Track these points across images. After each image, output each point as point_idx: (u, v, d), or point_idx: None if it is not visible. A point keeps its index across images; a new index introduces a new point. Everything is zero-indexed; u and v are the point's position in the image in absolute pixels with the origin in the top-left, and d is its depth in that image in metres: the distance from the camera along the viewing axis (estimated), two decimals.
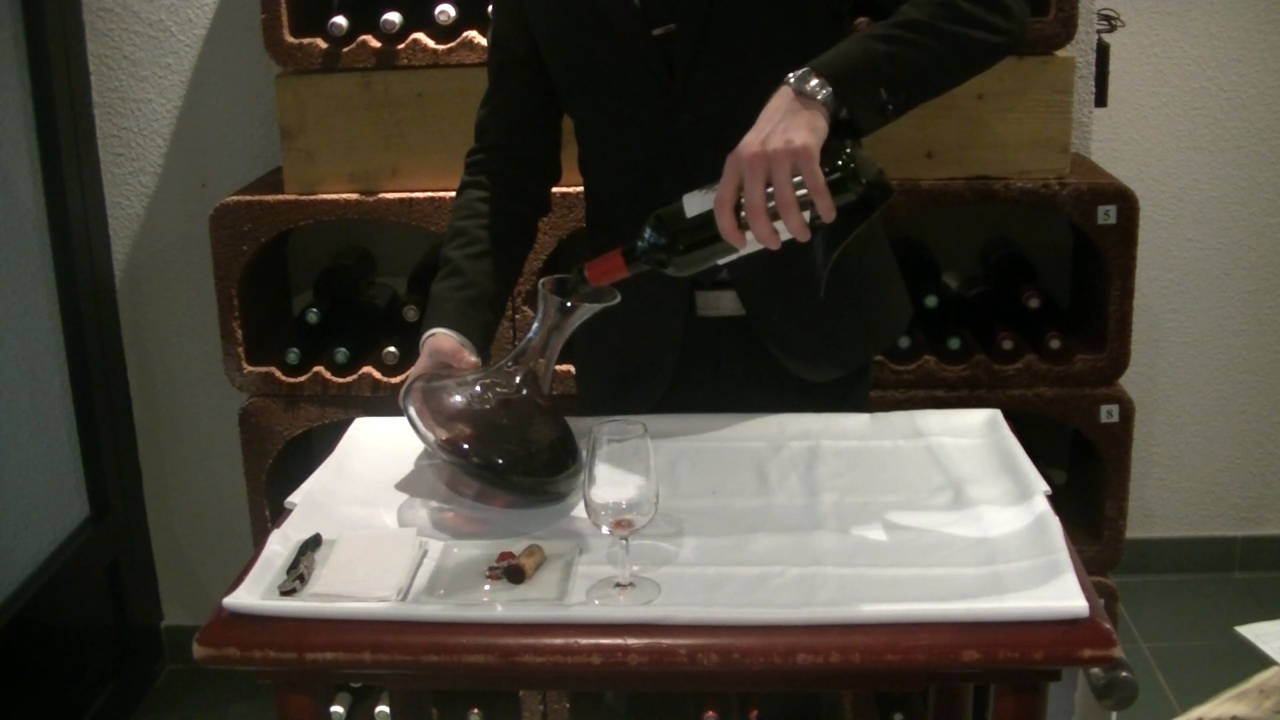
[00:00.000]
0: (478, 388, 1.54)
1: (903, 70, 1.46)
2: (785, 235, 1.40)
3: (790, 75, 1.43)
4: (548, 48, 1.71)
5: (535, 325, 1.54)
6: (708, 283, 1.74)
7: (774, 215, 1.39)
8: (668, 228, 1.45)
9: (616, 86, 1.69)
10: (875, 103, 1.45)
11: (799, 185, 1.38)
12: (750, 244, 1.42)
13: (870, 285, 1.81)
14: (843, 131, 1.44)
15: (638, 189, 1.70)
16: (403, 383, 1.54)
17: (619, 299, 1.52)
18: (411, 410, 1.49)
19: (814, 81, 1.42)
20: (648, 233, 1.46)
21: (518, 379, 1.54)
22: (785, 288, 1.71)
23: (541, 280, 1.53)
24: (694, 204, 1.44)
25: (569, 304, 1.51)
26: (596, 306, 1.52)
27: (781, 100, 1.42)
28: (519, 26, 1.72)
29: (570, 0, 1.66)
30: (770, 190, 1.38)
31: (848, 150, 1.41)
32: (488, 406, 1.53)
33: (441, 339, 1.62)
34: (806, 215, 1.39)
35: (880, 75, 1.45)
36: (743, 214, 1.40)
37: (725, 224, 1.40)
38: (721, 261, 1.47)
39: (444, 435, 1.48)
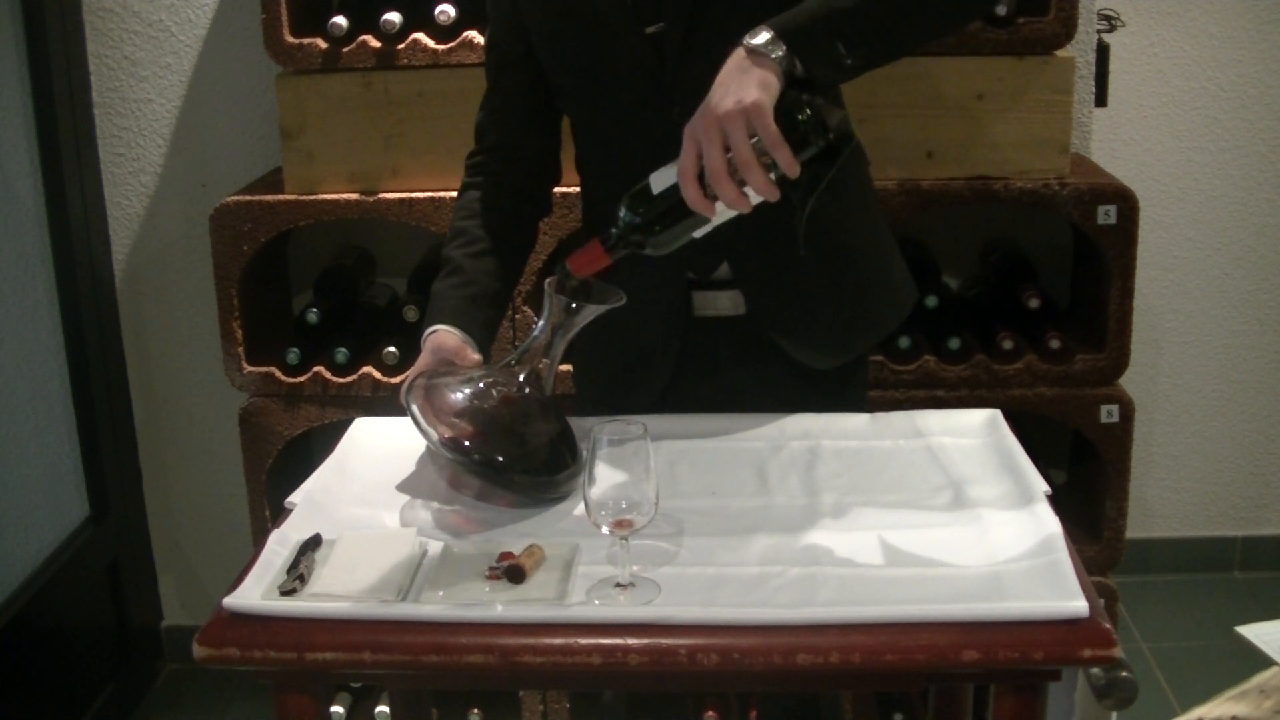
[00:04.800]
0: (480, 385, 1.54)
1: (864, 25, 1.44)
2: (755, 198, 1.39)
3: (746, 35, 1.42)
4: (542, 47, 1.72)
5: (540, 324, 1.54)
6: (705, 282, 1.74)
7: (741, 180, 1.38)
8: (639, 208, 1.44)
9: (610, 82, 1.69)
10: (832, 57, 1.43)
11: (759, 145, 1.37)
12: (721, 212, 1.41)
13: (873, 269, 1.81)
14: (802, 88, 1.42)
15: (633, 184, 1.71)
16: (403, 383, 1.54)
17: (624, 300, 1.52)
18: (414, 407, 1.49)
19: (766, 37, 1.41)
20: (621, 217, 1.45)
21: (521, 377, 1.54)
22: (788, 275, 1.71)
23: (547, 280, 1.53)
24: (660, 180, 1.44)
25: (574, 304, 1.51)
26: (603, 307, 1.52)
27: (734, 61, 1.42)
28: (514, 28, 1.73)
29: (568, 3, 1.67)
30: (731, 154, 1.37)
31: (805, 101, 1.39)
32: (490, 404, 1.53)
33: (444, 336, 1.62)
34: (772, 175, 1.37)
35: (838, 30, 1.43)
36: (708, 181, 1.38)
37: (691, 195, 1.39)
38: (698, 234, 1.45)
39: (446, 432, 1.48)
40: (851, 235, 1.76)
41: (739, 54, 1.42)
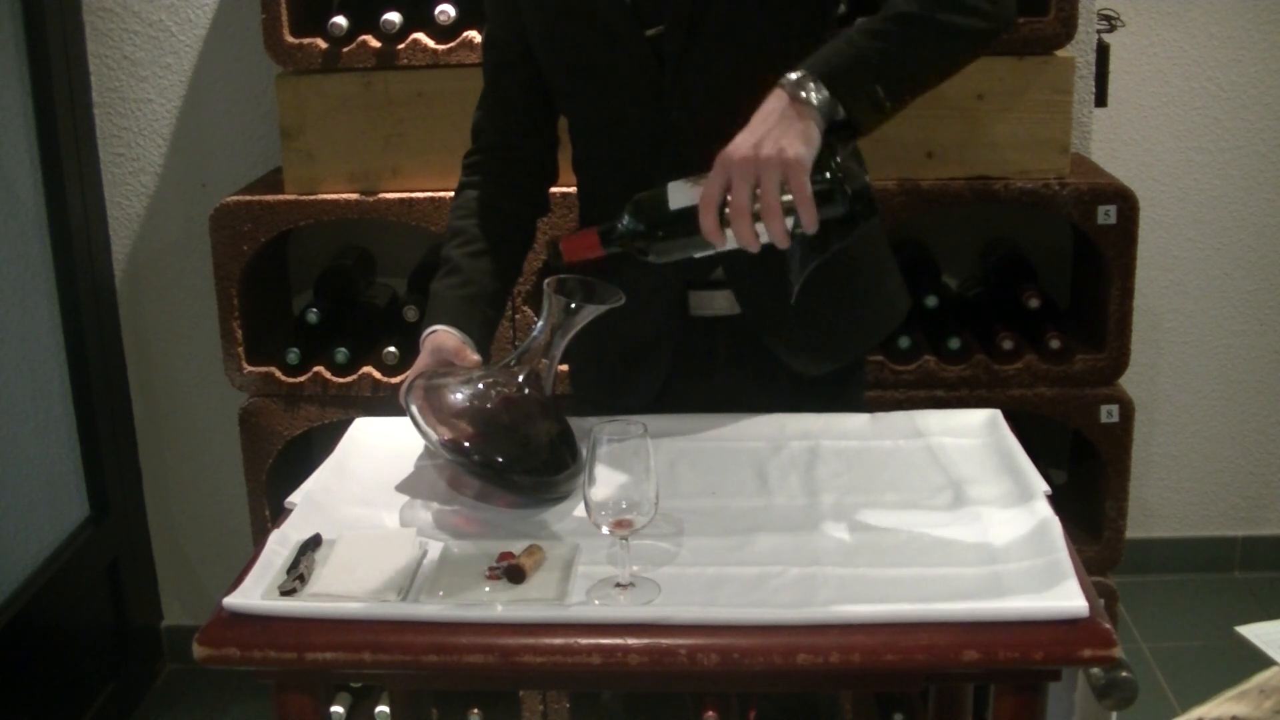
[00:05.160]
0: (480, 386, 1.54)
1: (896, 65, 1.47)
2: (764, 239, 1.41)
3: (785, 78, 1.43)
4: (541, 47, 1.72)
5: (539, 324, 1.54)
6: (701, 282, 1.75)
7: (756, 218, 1.39)
8: (647, 215, 1.46)
9: (609, 84, 1.69)
10: (873, 100, 1.45)
11: (785, 193, 1.38)
12: (729, 242, 1.43)
13: (867, 277, 1.81)
14: (841, 132, 1.44)
15: (631, 187, 1.71)
16: (403, 383, 1.54)
17: (624, 299, 1.52)
18: (413, 408, 1.49)
19: (810, 86, 1.42)
20: (626, 218, 1.46)
21: (520, 378, 1.54)
22: (781, 283, 1.72)
23: (546, 280, 1.53)
24: (679, 196, 1.45)
25: (573, 304, 1.51)
26: (602, 308, 1.52)
27: (777, 104, 1.42)
28: (513, 27, 1.73)
29: (567, 4, 1.66)
30: (756, 192, 1.39)
31: (837, 162, 1.41)
32: (490, 405, 1.53)
33: (443, 336, 1.62)
34: (790, 222, 1.39)
35: (874, 72, 1.45)
36: (726, 212, 1.40)
37: (708, 223, 1.41)
38: (697, 255, 1.47)
39: (445, 433, 1.48)
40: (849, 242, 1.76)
41: (781, 96, 1.42)
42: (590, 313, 1.53)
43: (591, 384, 1.91)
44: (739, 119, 1.55)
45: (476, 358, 1.62)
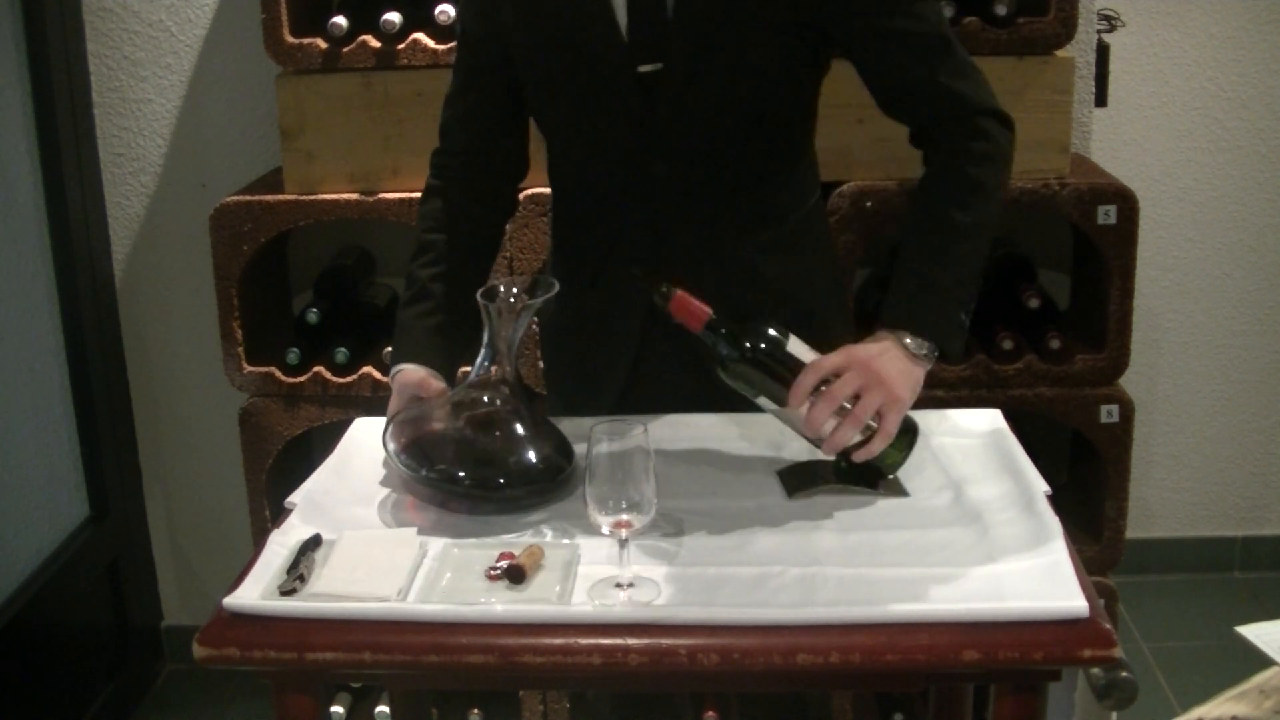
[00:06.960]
0: (452, 412, 1.54)
1: (967, 285, 1.56)
2: (824, 434, 1.47)
3: (900, 337, 1.51)
4: (519, 59, 1.67)
5: (485, 338, 1.53)
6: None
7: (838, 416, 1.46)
8: (760, 342, 1.48)
9: (594, 122, 1.66)
10: (962, 329, 1.56)
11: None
12: (795, 412, 1.48)
13: (821, 331, 1.76)
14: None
15: (605, 215, 1.70)
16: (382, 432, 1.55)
17: (557, 288, 1.53)
18: (392, 449, 1.51)
19: (926, 352, 1.53)
20: (731, 338, 1.48)
21: (487, 397, 1.53)
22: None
23: (480, 292, 1.52)
24: (798, 346, 1.49)
25: (513, 303, 1.52)
26: (537, 302, 1.52)
27: (897, 351, 1.51)
28: (490, 26, 1.67)
29: (554, 24, 1.62)
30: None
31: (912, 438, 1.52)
32: (468, 428, 1.52)
33: (408, 374, 1.61)
34: (855, 439, 1.47)
35: (958, 304, 1.55)
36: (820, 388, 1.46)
37: (806, 381, 1.46)
38: (758, 401, 1.51)
39: (432, 469, 1.49)
40: (808, 296, 1.76)
41: (898, 347, 1.51)
42: (529, 311, 1.53)
43: (560, 386, 1.89)
44: (720, 167, 1.56)
45: (441, 386, 1.61)
